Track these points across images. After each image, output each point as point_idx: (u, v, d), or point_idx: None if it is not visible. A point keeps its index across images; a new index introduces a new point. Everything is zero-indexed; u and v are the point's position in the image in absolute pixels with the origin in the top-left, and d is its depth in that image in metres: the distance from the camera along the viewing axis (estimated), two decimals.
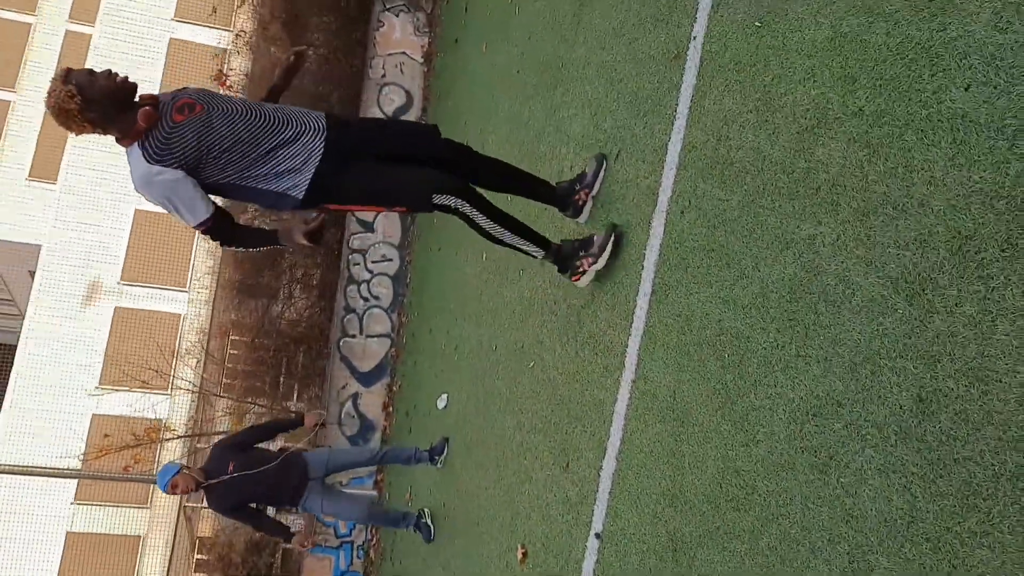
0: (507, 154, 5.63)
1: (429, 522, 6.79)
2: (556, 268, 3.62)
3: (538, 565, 3.96)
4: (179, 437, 12.59)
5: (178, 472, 5.70)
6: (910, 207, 1.81)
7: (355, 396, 10.98)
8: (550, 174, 4.49)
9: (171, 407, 13.45)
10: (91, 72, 3.06)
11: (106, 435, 13.01)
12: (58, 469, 10.74)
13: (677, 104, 3.10)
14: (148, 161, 2.96)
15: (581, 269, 3.49)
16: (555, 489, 3.87)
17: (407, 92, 11.44)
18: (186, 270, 15.48)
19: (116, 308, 15.34)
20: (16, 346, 15.33)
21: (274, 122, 3.10)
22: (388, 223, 11.11)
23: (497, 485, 4.87)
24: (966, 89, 1.70)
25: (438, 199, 3.12)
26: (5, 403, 14.58)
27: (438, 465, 6.75)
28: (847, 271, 1.99)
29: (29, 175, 16.44)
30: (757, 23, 2.59)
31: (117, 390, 14.46)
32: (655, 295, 3.07)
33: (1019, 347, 1.50)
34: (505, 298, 5.30)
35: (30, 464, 13.83)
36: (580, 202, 3.60)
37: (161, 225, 15.17)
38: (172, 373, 14.25)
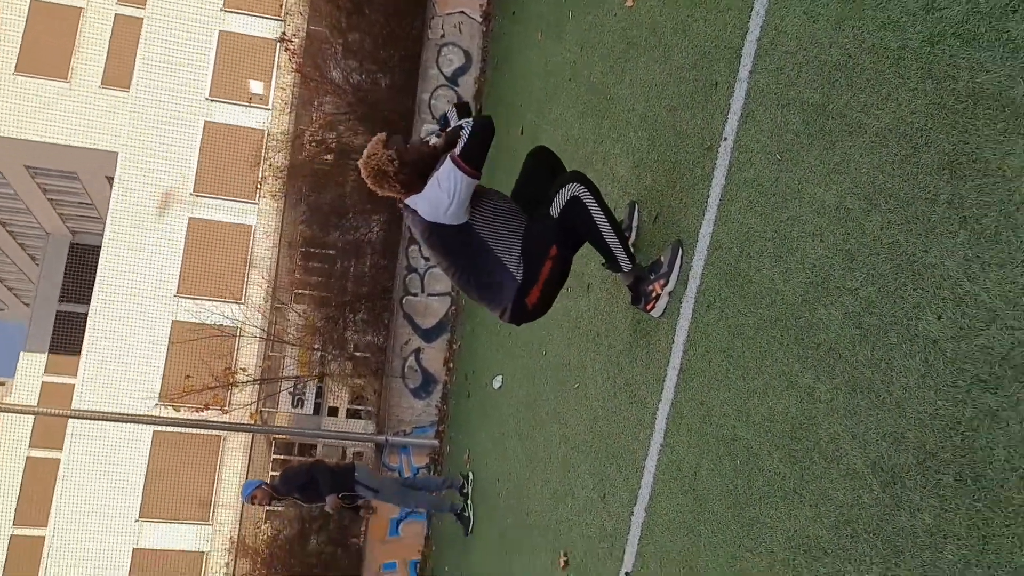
0: None
1: (471, 515, 7.69)
2: (630, 298, 3.75)
3: None
4: (253, 381, 13.35)
5: (259, 487, 7.53)
6: (889, 404, 2.05)
7: (417, 351, 11.49)
8: None
9: (245, 315, 14.16)
10: (406, 139, 3.50)
11: (187, 376, 13.86)
12: (135, 415, 11.53)
13: (708, 196, 3.29)
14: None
15: (655, 294, 3.58)
16: (593, 514, 4.24)
17: (466, 52, 11.52)
18: (255, 182, 15.90)
19: (190, 219, 15.95)
20: (98, 246, 16.15)
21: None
22: None
23: (545, 488, 5.27)
24: (938, 318, 1.91)
25: (555, 209, 3.38)
26: (92, 303, 15.41)
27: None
28: (837, 435, 2.24)
29: (102, 82, 17.01)
30: (777, 155, 2.77)
31: (194, 298, 15.27)
32: (683, 373, 3.34)
33: (962, 573, 1.76)
34: (554, 309, 5.58)
35: (115, 372, 14.81)
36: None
37: (229, 137, 15.72)
38: (244, 282, 14.99)
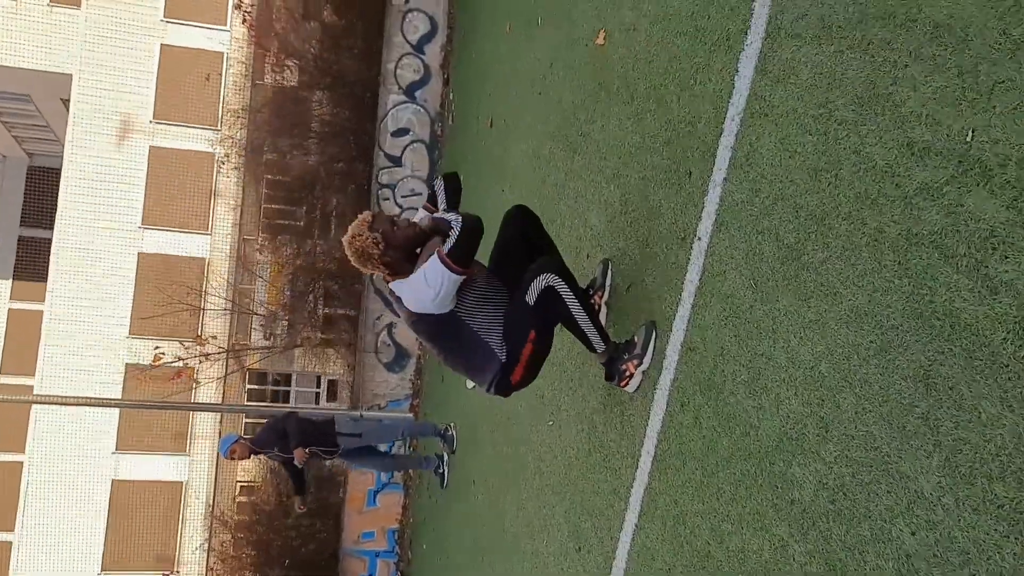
0: (530, 190, 5.76)
1: (445, 471, 8.00)
2: (604, 374, 3.78)
3: None
4: (221, 351, 13.28)
5: (236, 441, 7.35)
6: None
7: (390, 326, 11.48)
8: (566, 248, 4.68)
9: (211, 247, 13.88)
10: (392, 220, 3.46)
11: (157, 347, 13.75)
12: (101, 398, 11.44)
13: (682, 291, 3.27)
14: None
15: (628, 373, 3.62)
16: (570, 562, 4.32)
17: (431, 18, 11.20)
18: (216, 107, 15.20)
19: (151, 147, 15.34)
20: (58, 169, 15.59)
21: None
22: (416, 157, 11.19)
23: (520, 513, 5.35)
24: (912, 534, 1.93)
25: (531, 297, 3.42)
26: (55, 235, 14.96)
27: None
28: None
29: (51, 0, 16.17)
30: (752, 283, 2.74)
31: (160, 229, 14.93)
32: (657, 463, 3.37)
33: None
34: None
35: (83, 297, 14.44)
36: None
37: (187, 61, 15.19)
38: (211, 214, 14.66)
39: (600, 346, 3.61)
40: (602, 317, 4.08)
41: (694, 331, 3.15)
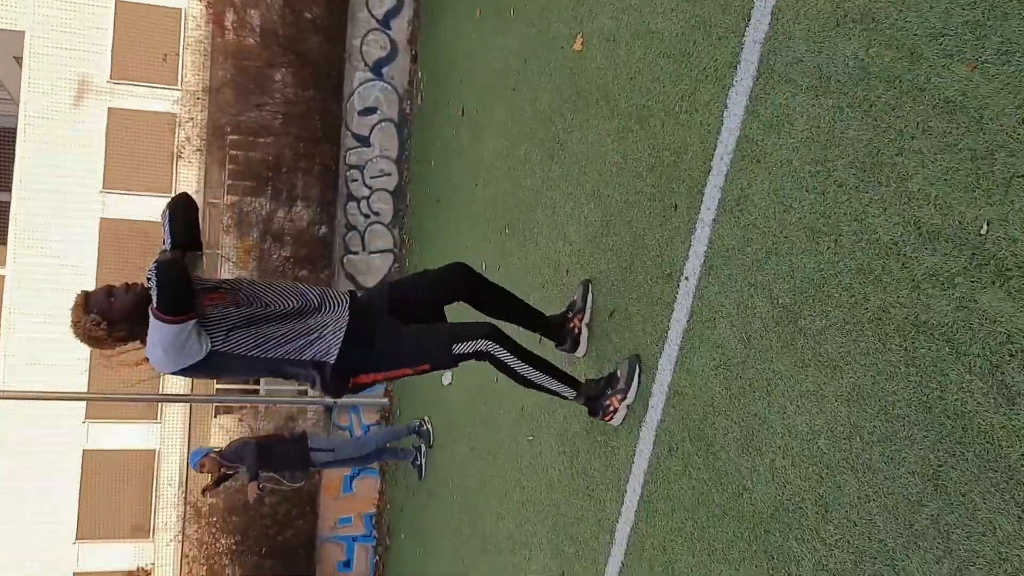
0: (505, 190, 5.61)
1: (423, 462, 7.96)
2: (587, 411, 3.65)
3: None
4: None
5: (207, 455, 7.38)
6: None
7: None
8: (544, 259, 4.55)
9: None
10: (109, 292, 3.13)
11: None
12: (67, 393, 11.20)
13: (668, 330, 3.16)
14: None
15: (612, 408, 3.51)
16: None
17: None
18: (175, 68, 14.70)
19: (109, 108, 14.76)
20: (13, 129, 15.00)
21: (298, 293, 3.29)
22: (384, 137, 10.93)
23: (500, 524, 5.28)
24: None
25: (459, 348, 3.22)
26: (14, 196, 14.51)
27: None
28: None
29: None
30: (744, 337, 2.64)
31: (122, 193, 14.51)
32: (644, 504, 3.29)
33: None
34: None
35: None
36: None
37: (144, 17, 14.69)
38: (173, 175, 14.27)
39: (569, 393, 3.49)
40: (583, 340, 3.97)
41: (682, 374, 3.04)
